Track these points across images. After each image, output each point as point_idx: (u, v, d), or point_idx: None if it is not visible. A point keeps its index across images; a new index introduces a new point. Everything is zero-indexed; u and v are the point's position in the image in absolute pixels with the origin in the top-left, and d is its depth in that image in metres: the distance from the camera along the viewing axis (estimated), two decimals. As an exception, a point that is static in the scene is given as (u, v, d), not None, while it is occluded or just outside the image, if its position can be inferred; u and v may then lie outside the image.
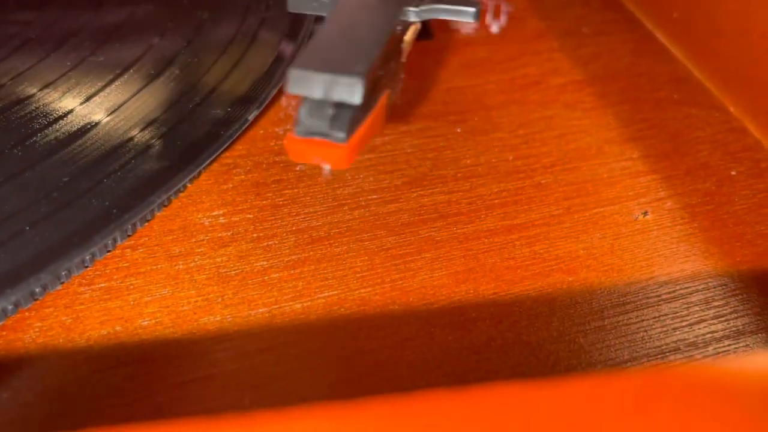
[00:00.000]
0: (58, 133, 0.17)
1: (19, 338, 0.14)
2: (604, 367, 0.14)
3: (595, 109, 0.21)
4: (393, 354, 0.15)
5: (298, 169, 0.19)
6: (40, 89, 0.18)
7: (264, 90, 0.19)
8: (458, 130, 0.20)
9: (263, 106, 0.19)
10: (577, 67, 0.23)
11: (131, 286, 0.16)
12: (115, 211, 0.15)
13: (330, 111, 0.13)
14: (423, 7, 0.16)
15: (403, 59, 0.17)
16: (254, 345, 0.15)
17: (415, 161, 0.19)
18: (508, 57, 0.24)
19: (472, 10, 0.16)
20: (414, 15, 0.16)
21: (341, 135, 0.13)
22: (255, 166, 0.19)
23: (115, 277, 0.16)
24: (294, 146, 0.13)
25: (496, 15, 0.26)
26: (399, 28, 0.16)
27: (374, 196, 0.18)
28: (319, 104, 0.13)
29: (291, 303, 0.15)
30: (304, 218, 0.18)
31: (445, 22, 0.25)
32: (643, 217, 0.18)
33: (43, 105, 0.18)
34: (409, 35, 0.17)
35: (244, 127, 0.18)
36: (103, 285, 0.15)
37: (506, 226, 0.17)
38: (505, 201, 0.18)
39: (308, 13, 0.17)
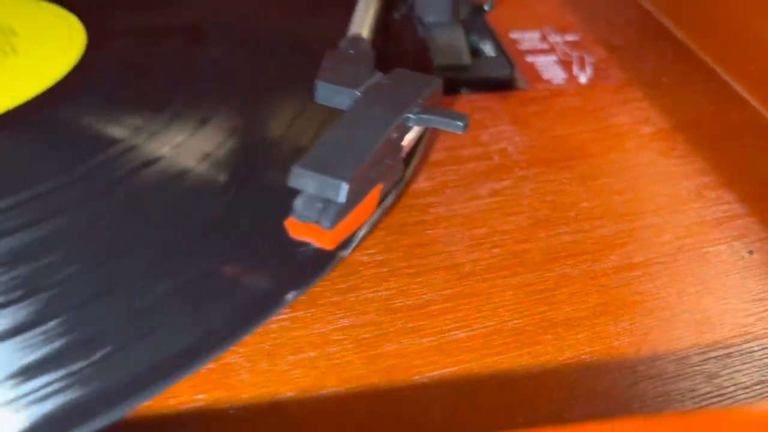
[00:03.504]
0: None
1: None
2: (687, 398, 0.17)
3: (687, 156, 0.24)
4: (554, 377, 0.17)
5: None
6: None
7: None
8: (568, 176, 0.23)
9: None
10: (663, 116, 0.26)
11: (313, 316, 0.18)
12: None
13: (320, 204, 0.16)
14: (420, 116, 0.18)
15: (403, 155, 0.19)
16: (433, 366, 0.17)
17: (536, 204, 0.22)
18: (598, 107, 0.26)
19: (460, 123, 0.18)
20: (412, 122, 0.19)
21: (327, 224, 0.16)
22: (398, 208, 0.21)
23: (299, 307, 0.18)
24: (291, 226, 0.17)
25: (582, 67, 0.29)
26: (395, 134, 0.18)
27: (507, 236, 0.20)
28: (312, 197, 0.16)
29: (456, 332, 0.18)
30: (448, 256, 0.20)
31: (537, 74, 0.28)
32: (749, 255, 0.20)
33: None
34: (412, 135, 0.19)
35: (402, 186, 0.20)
36: (293, 314, 0.18)
37: (628, 263, 0.20)
38: (624, 241, 0.20)
39: (333, 106, 0.20)
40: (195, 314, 0.16)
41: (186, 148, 0.21)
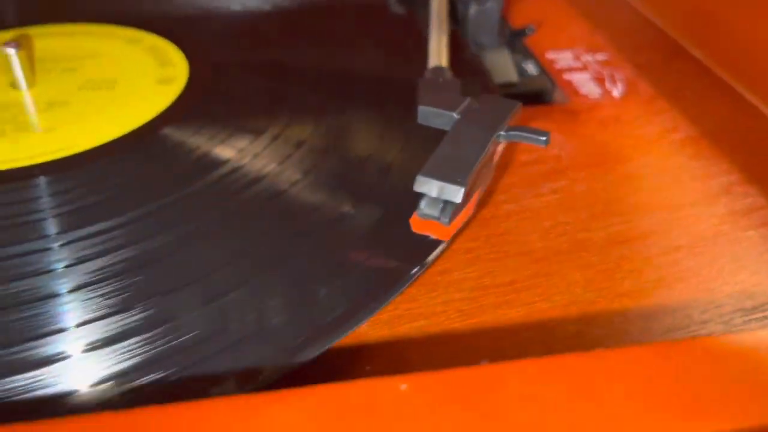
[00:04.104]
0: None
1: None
2: None
3: (714, 158, 0.28)
4: (625, 332, 0.20)
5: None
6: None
7: None
8: (614, 176, 0.26)
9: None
10: (690, 125, 0.30)
11: (418, 292, 0.21)
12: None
13: (441, 204, 0.20)
14: (510, 133, 0.22)
15: (494, 164, 0.23)
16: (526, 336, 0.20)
17: (590, 199, 0.25)
18: (632, 117, 0.30)
19: (543, 138, 0.22)
20: (503, 138, 0.22)
21: (446, 221, 0.20)
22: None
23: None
24: (414, 223, 0.21)
25: (613, 82, 0.32)
26: (491, 148, 0.22)
27: (569, 227, 0.24)
28: (434, 199, 0.20)
29: (537, 304, 0.21)
30: (524, 244, 0.23)
31: (575, 89, 0.32)
32: (775, 239, 0.24)
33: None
34: (500, 148, 0.23)
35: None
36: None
37: (675, 246, 0.23)
38: (668, 228, 0.24)
39: (434, 126, 0.23)
40: (345, 290, 0.19)
41: (289, 165, 0.24)
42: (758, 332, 0.19)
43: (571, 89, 0.32)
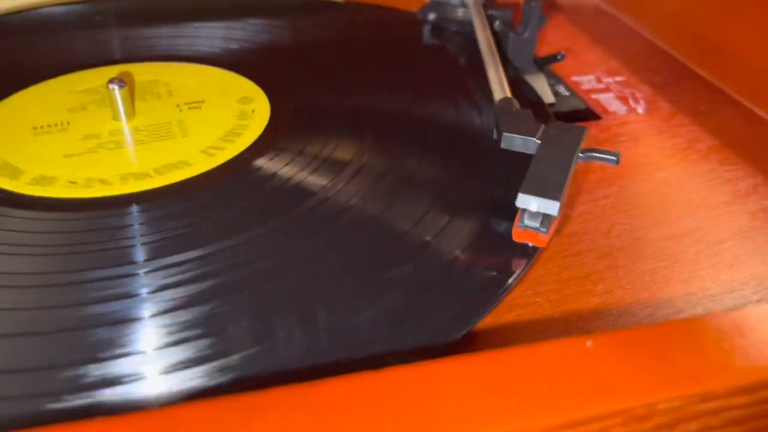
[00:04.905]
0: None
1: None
2: None
3: (738, 163, 0.31)
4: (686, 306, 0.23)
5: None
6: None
7: None
8: (654, 182, 0.30)
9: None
10: (711, 136, 0.33)
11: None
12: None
13: (540, 217, 0.24)
14: (587, 154, 0.26)
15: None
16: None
17: (639, 202, 0.29)
18: (659, 130, 0.34)
19: (614, 158, 0.26)
20: (582, 158, 0.26)
21: (544, 231, 0.24)
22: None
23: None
24: (517, 234, 0.24)
25: (636, 101, 0.36)
26: (574, 167, 0.25)
27: (626, 226, 0.27)
28: (534, 213, 0.24)
29: (614, 292, 0.24)
30: (590, 242, 0.27)
31: (604, 107, 0.35)
32: (803, 229, 0.27)
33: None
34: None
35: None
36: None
37: (719, 239, 0.27)
38: (712, 223, 0.28)
39: (516, 150, 0.26)
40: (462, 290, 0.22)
41: (373, 197, 0.26)
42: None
43: (600, 107, 0.36)
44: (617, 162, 0.25)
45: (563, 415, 0.13)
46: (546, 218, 0.23)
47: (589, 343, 0.14)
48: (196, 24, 0.40)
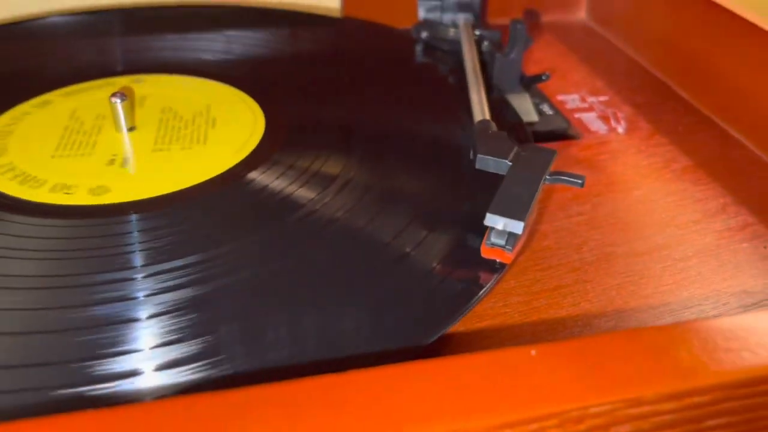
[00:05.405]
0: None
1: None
2: None
3: (709, 183, 0.33)
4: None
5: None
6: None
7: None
8: (629, 200, 0.31)
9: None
10: (686, 156, 0.35)
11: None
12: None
13: (506, 235, 0.25)
14: (554, 177, 0.27)
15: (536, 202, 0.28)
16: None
17: (612, 219, 0.30)
18: (637, 150, 0.35)
19: (579, 181, 0.27)
20: (548, 181, 0.27)
21: (509, 248, 0.25)
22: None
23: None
24: (485, 250, 0.25)
25: (617, 120, 0.38)
26: (540, 189, 0.27)
27: (597, 242, 0.29)
28: (500, 231, 0.25)
29: (581, 305, 0.26)
30: (561, 259, 0.28)
31: (585, 126, 0.37)
32: (765, 249, 0.29)
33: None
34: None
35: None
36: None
37: (685, 256, 0.28)
38: (680, 240, 0.29)
39: (490, 171, 0.28)
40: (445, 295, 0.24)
41: (358, 210, 0.28)
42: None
43: (582, 126, 0.37)
44: (582, 185, 0.27)
45: (504, 415, 0.14)
46: (511, 237, 0.25)
47: (533, 352, 0.16)
48: (193, 35, 0.41)
